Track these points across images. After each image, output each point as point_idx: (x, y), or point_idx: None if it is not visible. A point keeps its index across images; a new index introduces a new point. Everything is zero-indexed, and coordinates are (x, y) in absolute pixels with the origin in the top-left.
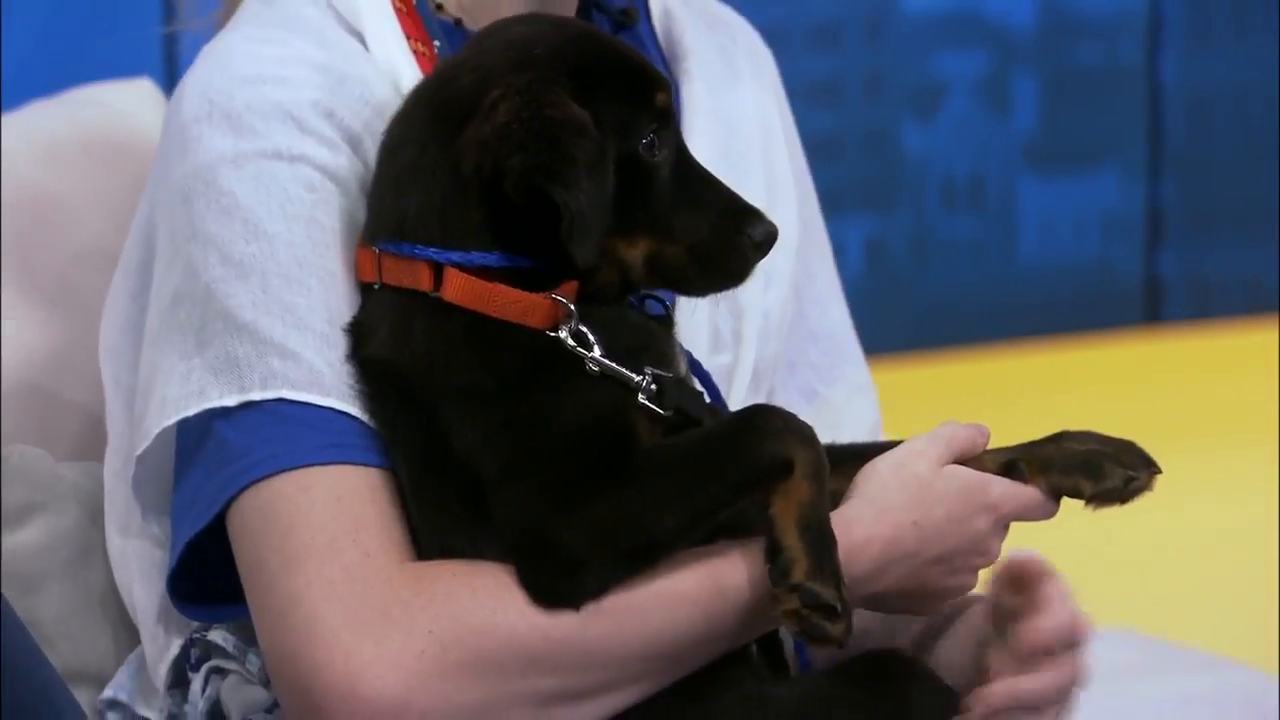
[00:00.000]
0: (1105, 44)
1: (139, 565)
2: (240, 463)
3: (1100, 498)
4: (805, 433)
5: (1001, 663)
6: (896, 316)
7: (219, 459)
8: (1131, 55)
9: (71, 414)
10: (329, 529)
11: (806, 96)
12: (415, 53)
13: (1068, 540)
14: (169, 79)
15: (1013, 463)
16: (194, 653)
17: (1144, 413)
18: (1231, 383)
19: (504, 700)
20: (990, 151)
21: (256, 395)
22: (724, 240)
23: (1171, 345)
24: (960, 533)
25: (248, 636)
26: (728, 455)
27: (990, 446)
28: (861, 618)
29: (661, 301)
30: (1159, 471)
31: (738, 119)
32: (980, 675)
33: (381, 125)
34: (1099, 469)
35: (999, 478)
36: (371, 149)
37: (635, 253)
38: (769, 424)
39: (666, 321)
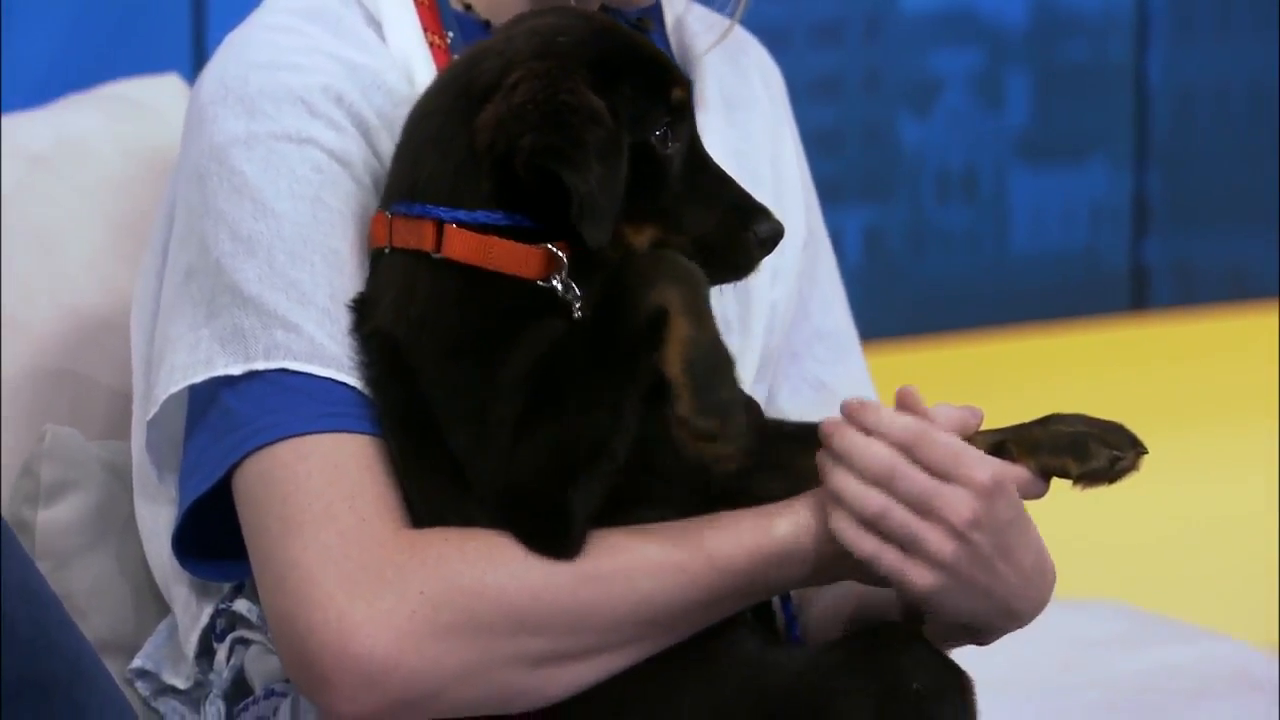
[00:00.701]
0: (1094, 42)
1: (169, 535)
2: (243, 430)
3: (1087, 477)
4: (675, 271)
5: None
6: (893, 303)
7: (224, 426)
8: (1119, 53)
9: (102, 395)
10: (325, 495)
11: (808, 92)
12: (431, 45)
13: (1057, 517)
14: (197, 75)
15: (1002, 444)
16: (220, 623)
17: (1130, 395)
18: (1214, 366)
19: (495, 660)
20: (983, 145)
21: (260, 365)
22: (729, 235)
23: (1157, 330)
24: None
25: None
26: (612, 326)
27: (982, 428)
28: (856, 589)
29: None
30: (1145, 452)
31: (748, 125)
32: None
33: (392, 111)
34: (1085, 449)
35: (989, 457)
36: (381, 134)
37: (641, 239)
38: (639, 276)
39: None
